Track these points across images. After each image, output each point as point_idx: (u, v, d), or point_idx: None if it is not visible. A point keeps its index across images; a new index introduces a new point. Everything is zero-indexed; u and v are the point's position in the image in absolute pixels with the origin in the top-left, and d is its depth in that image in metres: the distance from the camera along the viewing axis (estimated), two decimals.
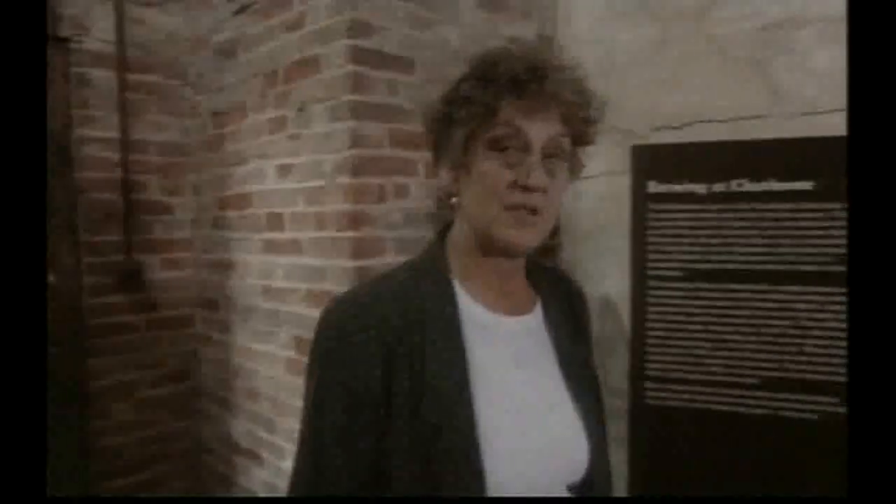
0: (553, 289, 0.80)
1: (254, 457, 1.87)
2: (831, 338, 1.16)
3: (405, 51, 1.53)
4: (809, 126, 1.80)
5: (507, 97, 0.65)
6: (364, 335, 0.64)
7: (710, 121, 1.93)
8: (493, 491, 0.62)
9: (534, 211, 0.65)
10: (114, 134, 1.94)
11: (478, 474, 0.62)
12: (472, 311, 0.70)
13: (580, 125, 0.68)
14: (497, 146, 0.65)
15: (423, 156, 1.59)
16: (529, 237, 0.67)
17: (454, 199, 0.71)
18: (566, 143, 0.67)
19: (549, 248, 1.95)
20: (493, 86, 0.65)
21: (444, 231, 0.75)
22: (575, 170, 0.72)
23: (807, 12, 1.83)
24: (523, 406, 0.68)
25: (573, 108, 0.65)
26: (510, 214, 0.66)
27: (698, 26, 1.95)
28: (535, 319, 0.75)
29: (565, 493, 0.70)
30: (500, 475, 0.63)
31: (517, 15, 1.84)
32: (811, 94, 1.85)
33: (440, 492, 0.62)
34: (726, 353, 1.21)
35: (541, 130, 0.65)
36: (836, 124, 1.79)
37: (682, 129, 1.97)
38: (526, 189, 0.64)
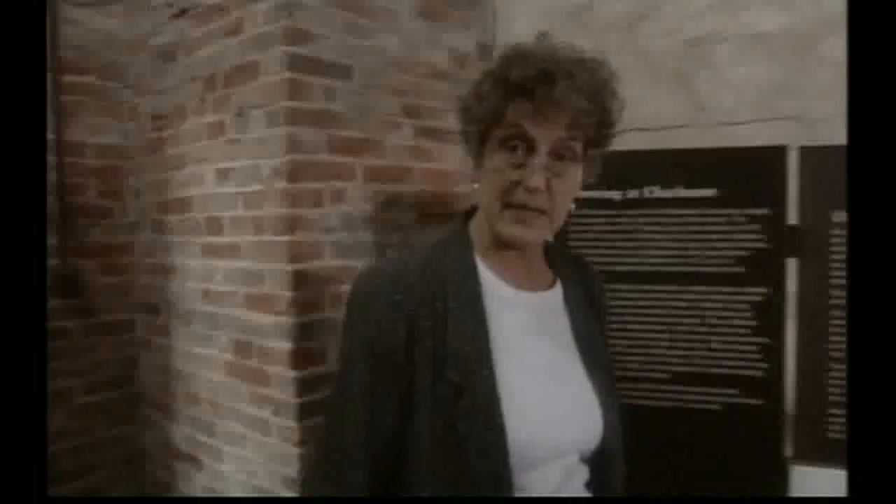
0: (572, 271, 0.84)
1: (193, 461, 1.87)
2: (735, 334, 1.25)
3: (343, 58, 1.56)
4: (728, 136, 1.92)
5: (516, 100, 0.68)
6: (390, 301, 0.68)
7: (638, 129, 2.03)
8: (514, 449, 0.65)
9: (541, 211, 0.69)
10: (48, 136, 1.91)
11: (499, 429, 0.65)
12: (494, 285, 0.73)
13: (591, 129, 0.71)
14: (506, 145, 0.69)
15: (361, 161, 1.63)
16: (531, 235, 0.70)
17: (475, 185, 0.75)
18: (576, 145, 0.70)
19: None
20: (504, 87, 0.68)
21: (470, 211, 0.79)
22: (589, 170, 0.75)
23: (726, 29, 1.95)
24: (541, 372, 0.72)
25: (582, 113, 0.68)
26: (512, 212, 0.69)
27: (628, 39, 2.05)
28: (553, 297, 0.79)
29: (578, 462, 0.74)
30: (521, 433, 0.66)
31: (456, 24, 1.90)
32: (729, 105, 1.96)
33: (465, 450, 0.65)
34: (642, 351, 1.29)
35: (547, 133, 0.67)
36: (751, 135, 1.92)
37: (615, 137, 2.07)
38: (528, 189, 0.67)
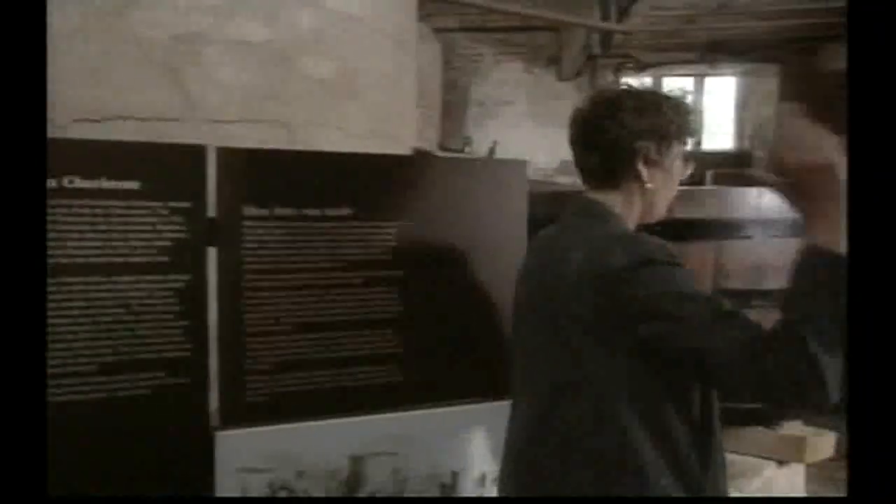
0: None
1: None
2: (161, 319, 1.32)
3: None
4: (218, 133, 2.03)
5: None
6: None
7: (129, 118, 1.99)
8: None
9: None
10: None
11: None
12: None
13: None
14: None
15: None
16: None
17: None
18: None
19: None
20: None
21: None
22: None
23: (213, 32, 2.05)
24: None
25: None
26: None
27: (118, 23, 1.97)
28: None
29: None
30: None
31: None
32: (218, 104, 2.09)
33: None
34: (65, 345, 1.25)
35: None
36: (242, 134, 2.08)
37: (102, 124, 1.97)
38: None
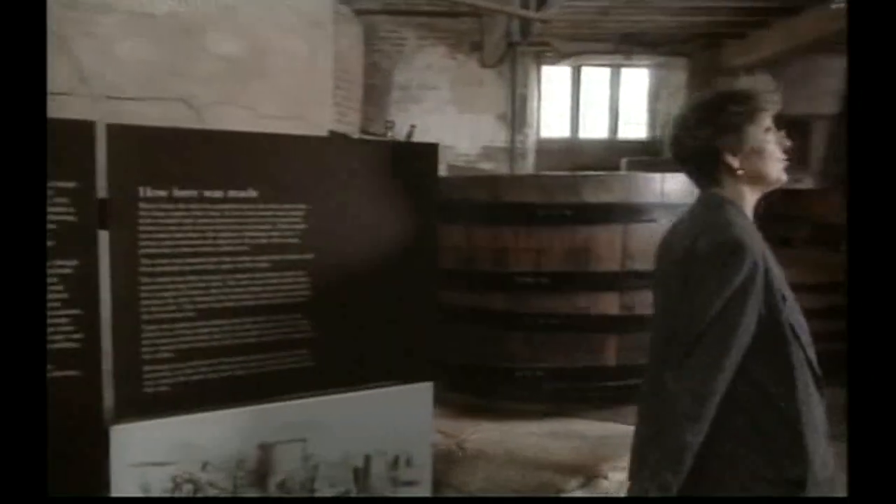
0: None
1: None
2: (48, 309, 1.23)
3: None
4: (115, 111, 1.91)
5: None
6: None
7: None
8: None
9: None
10: None
11: None
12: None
13: None
14: None
15: None
16: None
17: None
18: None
19: None
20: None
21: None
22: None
23: (111, 1, 1.91)
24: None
25: None
26: None
27: None
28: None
29: None
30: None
31: None
32: (114, 79, 1.96)
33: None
34: None
35: None
36: (141, 112, 1.96)
37: None
38: None
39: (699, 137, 1.22)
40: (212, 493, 1.40)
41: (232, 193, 1.44)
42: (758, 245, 1.13)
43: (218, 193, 1.42)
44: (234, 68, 2.19)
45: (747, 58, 6.80)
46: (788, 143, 1.23)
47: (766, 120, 1.22)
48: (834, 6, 5.28)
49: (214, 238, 1.42)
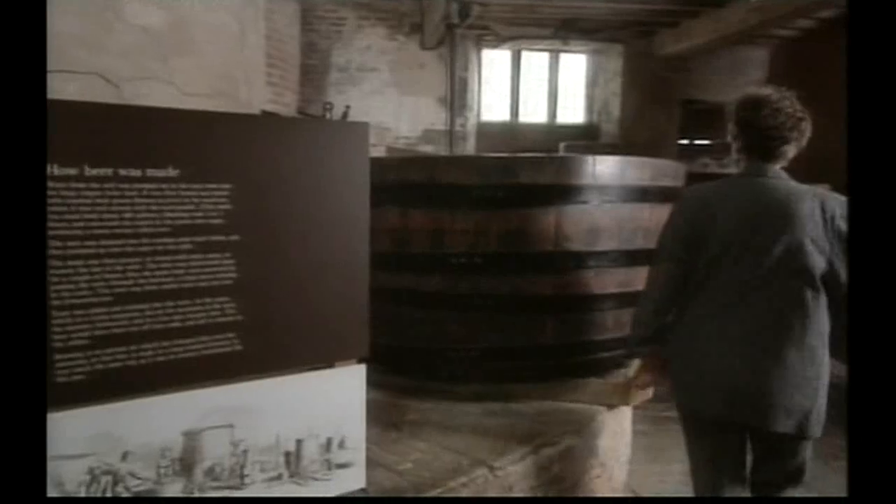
0: None
1: None
2: None
3: None
4: None
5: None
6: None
7: None
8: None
9: None
10: None
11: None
12: None
13: None
14: None
15: None
16: None
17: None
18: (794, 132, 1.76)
19: None
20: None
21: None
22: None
23: None
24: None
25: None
26: None
27: None
28: None
29: None
30: None
31: None
32: None
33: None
34: None
35: None
36: (54, 88, 1.83)
37: None
38: None
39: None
40: (133, 483, 1.34)
41: (151, 172, 1.37)
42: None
43: (135, 172, 1.35)
44: (155, 42, 2.09)
45: (679, 46, 7.04)
46: None
47: None
48: (755, 1, 5.50)
49: (132, 219, 1.36)
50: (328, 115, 5.84)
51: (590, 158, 2.35)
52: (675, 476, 2.98)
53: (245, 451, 1.49)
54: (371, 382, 1.70)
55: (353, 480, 1.66)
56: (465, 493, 1.83)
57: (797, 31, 7.05)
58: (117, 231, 1.33)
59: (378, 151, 5.62)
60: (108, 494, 1.33)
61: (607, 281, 2.41)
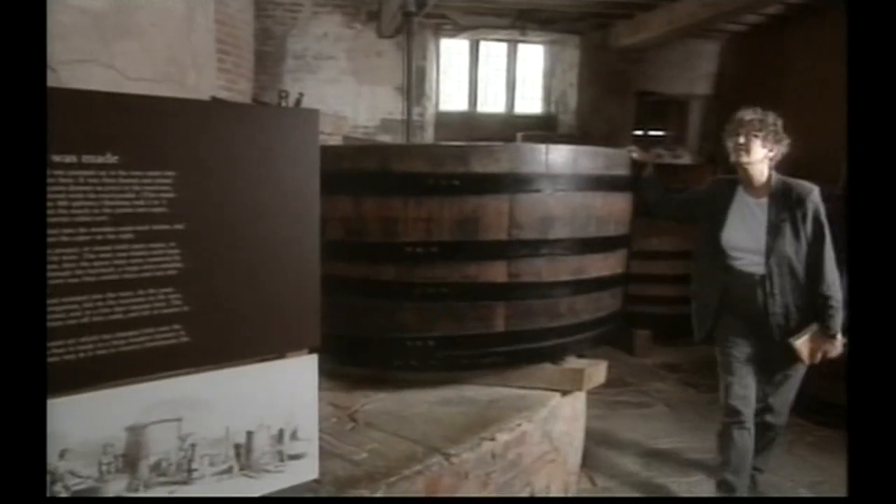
0: (781, 192, 2.41)
1: None
2: None
3: None
4: None
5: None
6: None
7: None
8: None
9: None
10: None
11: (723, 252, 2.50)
12: (740, 194, 2.49)
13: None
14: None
15: None
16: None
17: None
18: (759, 133, 2.38)
19: None
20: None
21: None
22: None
23: None
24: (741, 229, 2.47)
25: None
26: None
27: None
28: (762, 203, 2.43)
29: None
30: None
31: None
32: None
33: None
34: None
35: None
36: None
37: None
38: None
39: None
40: (73, 482, 1.30)
41: (87, 159, 1.32)
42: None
43: (70, 158, 1.30)
44: (94, 23, 2.00)
45: (635, 38, 7.15)
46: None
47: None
48: None
49: (68, 207, 1.30)
50: (283, 104, 5.72)
51: (542, 147, 2.37)
52: (630, 458, 3.06)
53: (193, 445, 1.46)
54: (326, 372, 1.69)
55: (305, 471, 1.65)
56: (420, 481, 1.84)
57: (746, 26, 7.26)
58: (51, 220, 1.28)
59: (335, 141, 5.54)
60: (46, 495, 1.28)
61: (560, 268, 2.45)
